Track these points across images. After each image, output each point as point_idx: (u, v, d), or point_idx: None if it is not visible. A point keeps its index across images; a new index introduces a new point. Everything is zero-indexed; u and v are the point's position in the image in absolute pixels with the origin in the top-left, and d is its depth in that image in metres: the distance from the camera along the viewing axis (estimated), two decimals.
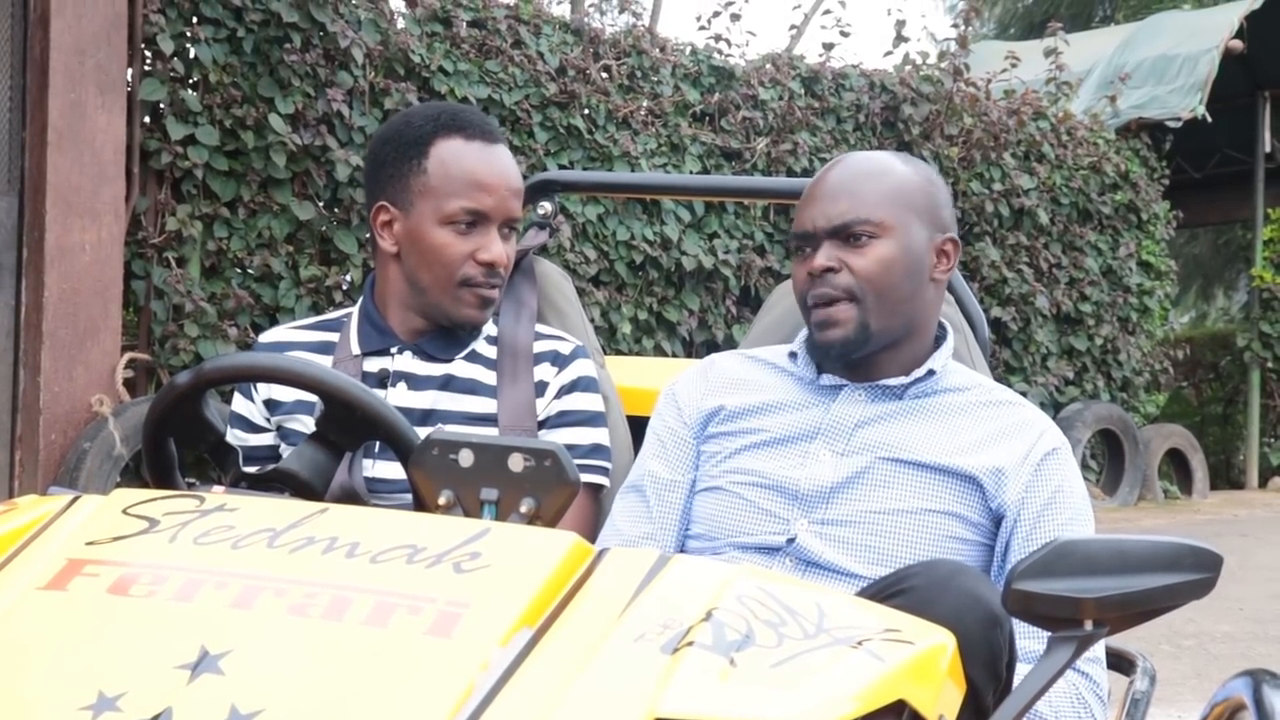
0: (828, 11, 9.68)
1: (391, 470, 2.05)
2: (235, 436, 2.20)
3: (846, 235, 2.00)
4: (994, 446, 1.97)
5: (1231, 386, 14.03)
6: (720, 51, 8.45)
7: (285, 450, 2.16)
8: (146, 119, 5.97)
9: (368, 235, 6.14)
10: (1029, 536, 1.93)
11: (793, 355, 2.12)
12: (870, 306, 1.98)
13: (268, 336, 2.26)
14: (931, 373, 2.03)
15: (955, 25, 10.10)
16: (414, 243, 2.13)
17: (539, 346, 2.23)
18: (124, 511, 1.45)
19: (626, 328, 7.63)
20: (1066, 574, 1.40)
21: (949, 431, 1.99)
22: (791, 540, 1.94)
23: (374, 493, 2.06)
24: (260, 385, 2.17)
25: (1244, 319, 14.42)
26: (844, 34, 9.27)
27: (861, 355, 2.01)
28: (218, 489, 1.66)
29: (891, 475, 1.96)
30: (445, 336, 2.19)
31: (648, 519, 2.07)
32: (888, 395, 2.03)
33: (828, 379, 2.06)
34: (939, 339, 2.10)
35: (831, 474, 1.96)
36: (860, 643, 1.28)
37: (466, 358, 2.19)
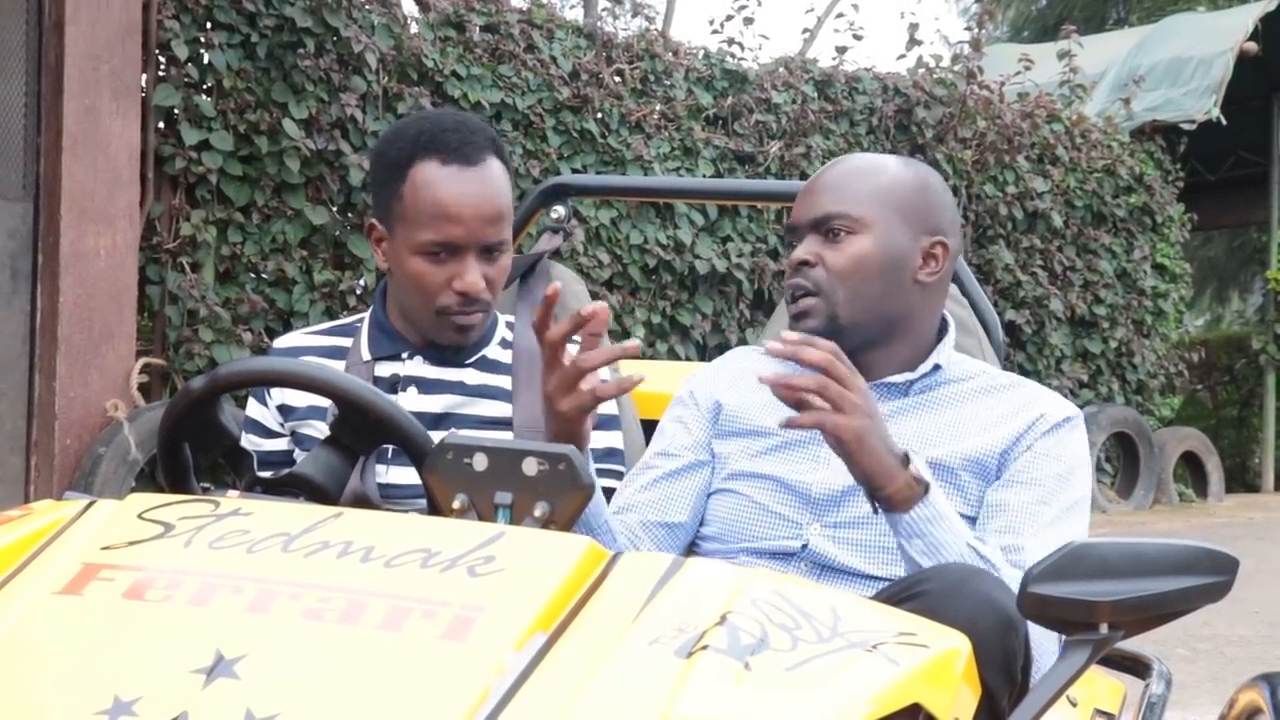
0: (841, 15, 9.70)
1: (405, 475, 2.05)
2: (250, 441, 2.20)
3: (825, 230, 1.99)
4: (996, 430, 1.97)
5: (1247, 389, 13.98)
6: (733, 55, 8.45)
7: (299, 455, 2.16)
8: (161, 124, 5.99)
9: None
10: (1003, 484, 1.92)
11: None
12: (840, 301, 1.97)
13: (282, 342, 2.27)
14: (937, 368, 2.03)
15: (969, 28, 10.12)
16: (396, 266, 2.13)
17: None
18: (139, 516, 1.45)
19: (640, 331, 7.63)
20: (1082, 577, 1.39)
21: (955, 422, 1.98)
22: (805, 546, 1.94)
23: (387, 499, 2.06)
24: (274, 390, 2.18)
25: (1259, 322, 14.40)
26: (857, 37, 9.28)
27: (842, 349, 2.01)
28: (232, 494, 1.67)
29: None
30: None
31: (653, 485, 2.07)
32: (894, 392, 2.03)
33: None
34: (941, 336, 2.09)
35: (843, 478, 1.96)
36: (875, 646, 1.28)
37: (478, 363, 2.19)
